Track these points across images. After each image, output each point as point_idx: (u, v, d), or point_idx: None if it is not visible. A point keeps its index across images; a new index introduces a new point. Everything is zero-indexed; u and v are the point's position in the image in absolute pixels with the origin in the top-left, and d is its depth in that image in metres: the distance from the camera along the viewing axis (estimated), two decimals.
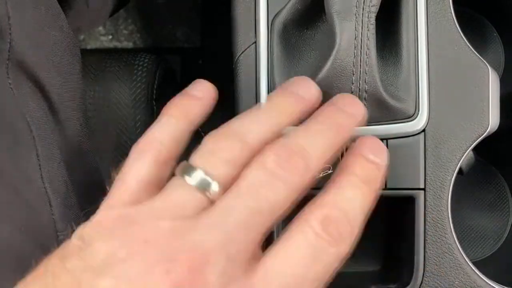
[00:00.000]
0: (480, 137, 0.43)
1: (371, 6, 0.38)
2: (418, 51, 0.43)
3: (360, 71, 0.39)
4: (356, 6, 0.38)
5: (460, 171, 0.44)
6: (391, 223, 0.47)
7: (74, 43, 0.43)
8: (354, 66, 0.38)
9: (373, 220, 0.48)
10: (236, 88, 0.45)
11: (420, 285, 0.43)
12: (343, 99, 0.34)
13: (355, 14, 0.38)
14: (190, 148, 0.56)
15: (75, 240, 0.28)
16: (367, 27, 0.38)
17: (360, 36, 0.38)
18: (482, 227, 0.54)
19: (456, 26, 0.43)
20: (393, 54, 0.43)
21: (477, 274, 0.43)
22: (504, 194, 0.55)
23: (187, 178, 0.29)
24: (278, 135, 0.30)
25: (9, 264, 0.33)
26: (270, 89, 0.43)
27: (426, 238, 0.43)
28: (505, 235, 0.54)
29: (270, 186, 0.28)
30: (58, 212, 0.37)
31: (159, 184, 0.31)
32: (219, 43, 0.86)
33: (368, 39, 0.38)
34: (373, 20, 0.38)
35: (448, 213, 0.43)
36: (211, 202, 0.28)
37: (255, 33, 0.44)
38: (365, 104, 0.40)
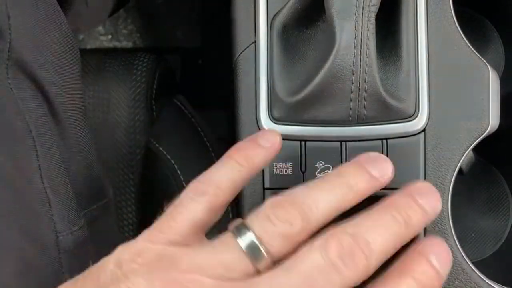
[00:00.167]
0: (480, 137, 0.43)
1: (371, 5, 0.38)
2: (418, 51, 0.43)
3: (360, 70, 0.39)
4: (356, 6, 0.38)
5: (460, 171, 0.44)
6: None
7: (73, 43, 0.43)
8: (354, 65, 0.38)
9: None
10: (235, 87, 0.45)
11: None
12: (420, 188, 0.32)
13: (355, 14, 0.38)
14: (190, 147, 0.56)
15: (112, 265, 0.28)
16: (367, 26, 0.38)
17: (360, 35, 0.38)
18: (482, 227, 0.54)
19: (456, 26, 0.43)
20: (393, 54, 0.43)
21: (477, 274, 0.43)
22: (504, 194, 0.55)
23: (239, 239, 0.28)
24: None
25: (8, 264, 0.33)
26: (269, 88, 0.43)
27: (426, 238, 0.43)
28: (505, 235, 0.54)
29: (326, 276, 0.26)
30: (57, 213, 0.37)
31: (206, 227, 0.31)
32: (219, 43, 0.86)
33: (368, 38, 0.38)
34: (373, 20, 0.38)
35: (448, 213, 0.43)
36: (258, 271, 0.27)
37: (255, 32, 0.44)
38: (365, 104, 0.40)
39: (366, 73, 0.39)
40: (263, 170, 0.44)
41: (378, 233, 0.28)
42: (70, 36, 0.42)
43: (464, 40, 0.43)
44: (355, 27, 0.38)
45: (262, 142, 0.34)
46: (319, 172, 0.43)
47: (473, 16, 0.56)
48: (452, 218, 0.43)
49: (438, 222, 0.43)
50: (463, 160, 0.43)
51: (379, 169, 0.32)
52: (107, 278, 0.27)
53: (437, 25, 0.43)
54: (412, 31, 0.42)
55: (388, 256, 0.29)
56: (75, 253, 0.37)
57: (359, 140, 0.43)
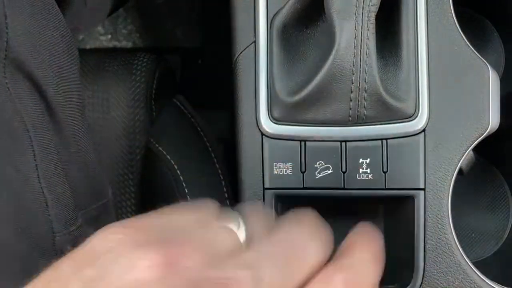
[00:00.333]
0: (480, 137, 0.43)
1: (371, 5, 0.38)
2: (418, 51, 0.43)
3: (360, 70, 0.39)
4: (356, 6, 0.38)
5: (460, 171, 0.44)
6: (391, 223, 0.47)
7: (71, 42, 0.43)
8: (354, 65, 0.38)
9: (373, 220, 0.48)
10: (235, 87, 0.45)
11: (420, 285, 0.43)
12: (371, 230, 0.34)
13: (355, 14, 0.38)
14: (190, 147, 0.56)
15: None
16: (367, 26, 0.38)
17: (360, 35, 0.38)
18: (482, 227, 0.54)
19: (456, 26, 0.43)
20: (393, 54, 0.43)
21: (477, 274, 0.43)
22: (504, 194, 0.55)
23: None
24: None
25: (6, 265, 0.33)
26: (269, 88, 0.43)
27: (426, 238, 0.43)
28: (505, 235, 0.54)
29: None
30: (54, 213, 0.37)
31: None
32: (219, 43, 0.86)
33: (368, 38, 0.38)
34: (373, 20, 0.38)
35: (448, 213, 0.43)
36: None
37: (255, 32, 0.44)
38: (365, 104, 0.40)
39: (366, 73, 0.39)
40: (262, 170, 0.44)
41: (367, 271, 0.30)
42: (69, 36, 0.42)
43: (464, 40, 0.43)
44: (355, 27, 0.38)
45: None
46: (319, 172, 0.43)
47: (473, 16, 0.56)
48: (452, 218, 0.43)
49: (438, 222, 0.43)
50: (463, 160, 0.43)
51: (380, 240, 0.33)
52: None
53: (437, 25, 0.43)
54: (412, 31, 0.42)
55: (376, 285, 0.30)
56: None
57: (359, 140, 0.43)
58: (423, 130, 0.43)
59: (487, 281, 0.43)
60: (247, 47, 0.44)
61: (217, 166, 0.55)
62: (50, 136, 0.38)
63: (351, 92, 0.40)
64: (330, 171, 0.43)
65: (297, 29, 0.43)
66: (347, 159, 0.43)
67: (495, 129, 0.43)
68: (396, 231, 0.46)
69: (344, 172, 0.43)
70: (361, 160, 0.43)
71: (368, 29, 0.38)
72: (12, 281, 0.33)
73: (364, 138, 0.43)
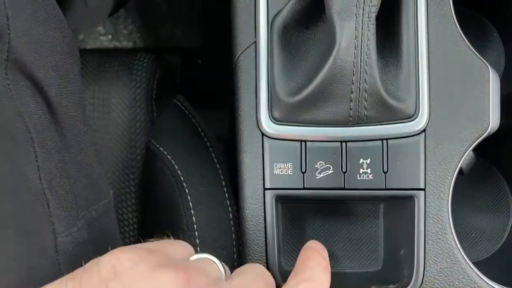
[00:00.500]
0: (480, 137, 0.43)
1: (372, 6, 0.38)
2: (418, 51, 0.43)
3: (360, 71, 0.39)
4: (356, 6, 0.38)
5: (461, 171, 0.44)
6: (391, 223, 0.47)
7: (73, 43, 0.43)
8: (354, 66, 0.38)
9: (373, 220, 0.48)
10: (236, 88, 0.45)
11: (421, 285, 0.43)
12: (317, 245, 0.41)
13: (355, 14, 0.38)
14: (190, 147, 0.56)
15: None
16: (368, 27, 0.38)
17: (360, 36, 0.38)
18: (483, 227, 0.54)
19: (456, 26, 0.43)
20: (394, 54, 0.43)
21: (477, 274, 0.43)
22: (504, 194, 0.55)
23: None
24: None
25: (6, 265, 0.33)
26: (270, 89, 0.43)
27: (426, 238, 0.43)
28: (505, 235, 0.54)
29: None
30: (56, 214, 0.37)
31: None
32: (219, 43, 0.86)
33: (368, 39, 0.38)
34: (373, 20, 0.38)
35: (448, 213, 0.43)
36: None
37: (255, 33, 0.44)
38: (365, 105, 0.40)
39: (366, 73, 0.39)
40: (263, 170, 0.44)
41: (322, 280, 0.37)
42: (70, 36, 0.42)
43: (464, 40, 0.43)
44: (356, 27, 0.38)
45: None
46: (320, 172, 0.43)
47: (473, 16, 0.56)
48: (452, 218, 0.43)
49: (438, 222, 0.43)
50: (463, 161, 0.43)
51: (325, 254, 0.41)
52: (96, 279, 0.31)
53: (437, 25, 0.43)
54: (412, 31, 0.42)
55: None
56: (74, 254, 0.37)
57: (359, 141, 0.43)
58: (423, 130, 0.43)
59: (487, 281, 0.43)
60: (248, 47, 0.44)
61: (217, 166, 0.55)
62: (51, 136, 0.38)
63: (352, 92, 0.40)
64: (330, 171, 0.43)
65: (297, 29, 0.43)
66: (347, 159, 0.43)
67: (495, 130, 0.43)
68: (396, 231, 0.46)
69: (344, 172, 0.43)
70: (361, 160, 0.43)
71: (368, 30, 0.38)
72: (13, 282, 0.33)
73: (364, 138, 0.43)
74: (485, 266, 0.48)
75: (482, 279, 0.43)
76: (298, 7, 0.42)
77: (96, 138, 0.58)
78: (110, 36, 0.98)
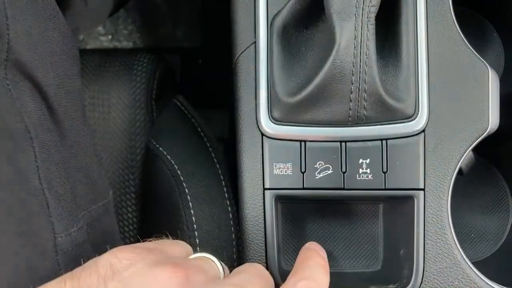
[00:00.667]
0: (480, 137, 0.43)
1: (371, 6, 0.38)
2: (418, 51, 0.43)
3: (359, 71, 0.39)
4: (356, 6, 0.38)
5: (460, 171, 0.44)
6: (390, 223, 0.47)
7: (72, 43, 0.43)
8: (353, 66, 0.38)
9: (373, 220, 0.48)
10: (235, 88, 0.45)
11: (420, 285, 0.43)
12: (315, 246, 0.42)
13: (355, 14, 0.38)
14: (190, 147, 0.56)
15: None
16: (367, 27, 0.38)
17: (360, 36, 0.38)
18: (482, 227, 0.54)
19: (456, 26, 0.43)
20: (393, 54, 0.43)
21: (477, 274, 0.43)
22: (504, 194, 0.55)
23: None
24: None
25: (6, 266, 0.33)
26: (269, 89, 0.43)
27: (426, 238, 0.43)
28: (505, 235, 0.54)
29: None
30: (55, 214, 0.37)
31: None
32: (219, 43, 0.86)
33: (367, 39, 0.38)
34: (373, 20, 0.38)
35: (448, 213, 0.43)
36: None
37: (255, 33, 0.44)
38: (365, 105, 0.40)
39: (366, 73, 0.39)
40: (262, 170, 0.44)
41: (321, 279, 0.37)
42: (69, 36, 0.42)
43: (464, 40, 0.43)
44: (355, 27, 0.38)
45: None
46: (319, 172, 0.43)
47: (473, 16, 0.56)
48: (452, 218, 0.43)
49: (437, 222, 0.43)
50: (463, 161, 0.43)
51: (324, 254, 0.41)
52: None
53: (437, 25, 0.43)
54: (412, 31, 0.42)
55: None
56: (74, 254, 0.37)
57: (359, 141, 0.43)
58: (423, 131, 0.43)
59: (487, 281, 0.43)
60: (248, 47, 0.44)
61: (217, 166, 0.55)
62: (51, 136, 0.38)
63: (351, 92, 0.40)
64: (330, 171, 0.43)
65: (297, 29, 0.43)
66: (347, 159, 0.43)
67: (495, 130, 0.43)
68: (395, 231, 0.46)
69: (344, 172, 0.43)
70: (361, 160, 0.43)
71: (368, 30, 0.38)
72: (13, 282, 0.33)
73: (364, 139, 0.43)
74: (485, 266, 0.48)
75: (482, 279, 0.43)
76: (298, 7, 0.42)
77: (96, 138, 0.58)
78: (110, 36, 0.99)
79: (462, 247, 0.43)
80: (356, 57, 0.38)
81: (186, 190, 0.52)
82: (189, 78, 0.95)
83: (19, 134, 0.35)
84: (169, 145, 0.56)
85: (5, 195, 0.34)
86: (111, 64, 0.61)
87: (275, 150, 0.43)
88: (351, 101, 0.40)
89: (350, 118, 0.41)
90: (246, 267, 0.38)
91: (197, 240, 0.50)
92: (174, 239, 0.38)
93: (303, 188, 0.43)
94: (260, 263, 0.44)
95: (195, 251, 0.39)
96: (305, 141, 0.43)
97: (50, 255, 0.36)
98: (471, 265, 0.43)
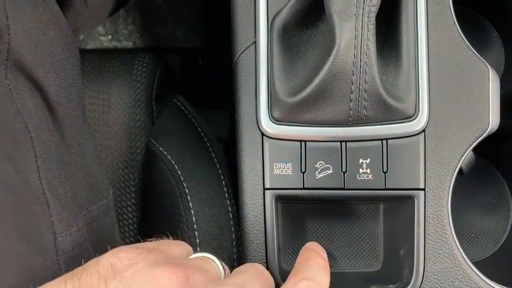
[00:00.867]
0: (480, 137, 0.43)
1: (371, 6, 0.38)
2: (418, 51, 0.43)
3: (360, 71, 0.39)
4: (356, 6, 0.38)
5: (460, 171, 0.44)
6: (391, 223, 0.47)
7: (72, 43, 0.43)
8: (354, 66, 0.38)
9: (373, 220, 0.48)
10: (236, 88, 0.45)
11: (420, 285, 0.43)
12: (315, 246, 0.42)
13: (355, 14, 0.38)
14: (190, 147, 0.56)
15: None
16: (367, 27, 0.38)
17: (360, 36, 0.38)
18: (482, 227, 0.54)
19: (456, 26, 0.43)
20: (393, 54, 0.43)
21: (477, 274, 0.43)
22: (504, 194, 0.55)
23: None
24: None
25: (6, 266, 0.33)
26: (269, 89, 0.43)
27: (426, 238, 0.43)
28: (505, 235, 0.54)
29: None
30: (56, 214, 0.37)
31: None
32: (219, 43, 0.86)
33: (368, 39, 0.38)
34: (373, 20, 0.38)
35: (448, 213, 0.43)
36: None
37: (255, 33, 0.44)
38: (365, 105, 0.40)
39: (366, 73, 0.39)
40: (263, 170, 0.44)
41: (321, 279, 0.37)
42: (70, 36, 0.42)
43: (464, 40, 0.43)
44: (355, 27, 0.38)
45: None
46: (319, 172, 0.43)
47: (473, 16, 0.56)
48: (452, 218, 0.43)
49: (438, 222, 0.43)
50: (463, 161, 0.43)
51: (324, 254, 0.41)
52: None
53: (437, 25, 0.43)
54: (412, 31, 0.42)
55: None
56: (74, 254, 0.37)
57: (359, 141, 0.43)
58: (423, 131, 0.43)
59: (487, 281, 0.43)
60: (248, 47, 0.44)
61: (217, 166, 0.55)
62: (51, 137, 0.38)
63: (351, 92, 0.40)
64: (330, 171, 0.43)
65: (297, 29, 0.43)
66: (347, 159, 0.43)
67: (495, 130, 0.43)
68: (396, 231, 0.46)
69: (344, 172, 0.43)
70: (361, 160, 0.43)
71: (368, 30, 0.38)
72: (13, 282, 0.33)
73: (364, 138, 0.43)
74: (485, 266, 0.48)
75: (482, 279, 0.43)
76: (298, 7, 0.42)
77: (96, 138, 0.58)
78: (110, 36, 0.99)
79: (462, 247, 0.43)
80: (357, 57, 0.38)
81: (186, 190, 0.52)
82: (189, 78, 0.95)
83: (19, 134, 0.35)
84: (169, 145, 0.56)
85: (5, 195, 0.34)
86: (111, 64, 0.61)
87: (275, 150, 0.43)
88: (351, 101, 0.40)
89: (350, 118, 0.41)
90: (246, 267, 0.38)
91: (197, 240, 0.50)
92: (174, 239, 0.38)
93: (303, 188, 0.43)
94: (260, 263, 0.44)
95: (195, 251, 0.39)
96: (305, 141, 0.43)
97: (51, 255, 0.36)
98: (471, 265, 0.43)
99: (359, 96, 0.40)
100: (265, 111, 0.43)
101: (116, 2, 0.56)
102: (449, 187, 0.43)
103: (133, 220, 0.59)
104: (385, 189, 0.43)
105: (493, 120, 0.43)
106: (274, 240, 0.44)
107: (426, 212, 0.43)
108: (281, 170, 0.43)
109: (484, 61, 0.43)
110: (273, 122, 0.43)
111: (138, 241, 0.36)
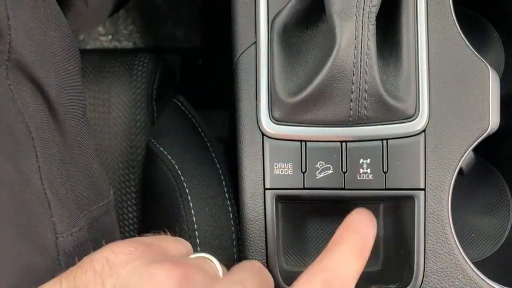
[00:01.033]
0: (480, 137, 0.43)
1: (372, 6, 0.38)
2: (418, 51, 0.43)
3: (360, 71, 0.39)
4: (357, 6, 0.38)
5: (461, 171, 0.44)
6: (391, 223, 0.47)
7: (73, 43, 0.43)
8: (354, 66, 0.39)
9: None
10: (236, 88, 0.45)
11: (420, 285, 0.43)
12: (356, 219, 0.38)
13: (356, 14, 0.38)
14: (190, 147, 0.56)
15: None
16: (368, 27, 0.38)
17: (360, 36, 0.38)
18: (483, 227, 0.54)
19: (456, 26, 0.43)
20: (393, 54, 0.43)
21: (477, 274, 0.43)
22: (504, 194, 0.55)
23: None
24: None
25: (7, 266, 0.33)
26: (270, 89, 0.43)
27: (426, 238, 0.43)
28: (505, 235, 0.54)
29: None
30: (57, 214, 0.37)
31: None
32: (219, 43, 0.86)
33: (368, 39, 0.38)
34: (373, 20, 0.38)
35: (448, 213, 0.43)
36: None
37: (255, 33, 0.44)
38: (365, 105, 0.40)
39: (366, 73, 0.39)
40: (263, 170, 0.44)
41: (345, 271, 0.35)
42: (70, 37, 0.42)
43: (464, 40, 0.43)
44: (356, 27, 0.38)
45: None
46: (320, 173, 0.43)
47: (473, 16, 0.56)
48: (452, 218, 0.43)
49: (438, 222, 0.43)
50: (463, 161, 0.43)
51: (368, 229, 0.38)
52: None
53: (437, 25, 0.43)
54: (412, 31, 0.42)
55: (358, 276, 0.35)
56: (75, 254, 0.37)
57: (360, 141, 0.43)
58: (423, 131, 0.43)
59: (487, 281, 0.43)
60: (248, 48, 0.44)
61: (218, 166, 0.55)
62: (52, 137, 0.38)
63: (352, 92, 0.40)
64: (330, 171, 0.43)
65: (297, 30, 0.43)
66: (347, 159, 0.43)
67: (495, 130, 0.43)
68: (396, 231, 0.46)
69: (344, 172, 0.43)
70: (361, 160, 0.43)
71: (368, 30, 0.38)
72: (14, 282, 0.33)
73: (364, 139, 0.43)
74: (485, 266, 0.48)
75: (482, 279, 0.43)
76: (298, 7, 0.42)
77: (97, 138, 0.58)
78: (110, 36, 0.99)
79: (462, 247, 0.43)
80: (357, 57, 0.38)
81: (187, 190, 0.52)
82: (189, 78, 0.96)
83: (20, 134, 0.35)
84: (169, 145, 0.56)
85: (6, 195, 0.34)
86: (111, 64, 0.61)
87: (275, 150, 0.43)
88: (351, 101, 0.40)
89: (350, 118, 0.41)
90: (245, 264, 0.38)
91: (197, 240, 0.50)
92: (172, 235, 0.38)
93: (304, 188, 0.43)
94: (260, 263, 0.44)
95: (195, 251, 0.39)
96: (305, 141, 0.43)
97: (52, 255, 0.36)
98: (471, 265, 0.43)
99: (359, 96, 0.40)
100: (265, 111, 0.43)
101: (116, 2, 0.56)
102: (449, 187, 0.43)
103: (134, 220, 0.59)
104: (385, 189, 0.43)
105: (493, 120, 0.43)
106: (274, 240, 0.44)
107: (426, 212, 0.43)
108: (282, 170, 0.43)
109: (484, 61, 0.43)
110: (273, 122, 0.43)
111: None
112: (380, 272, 0.47)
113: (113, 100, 0.59)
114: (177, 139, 0.57)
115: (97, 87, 0.59)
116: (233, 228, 0.51)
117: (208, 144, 0.57)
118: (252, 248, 0.44)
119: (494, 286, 0.43)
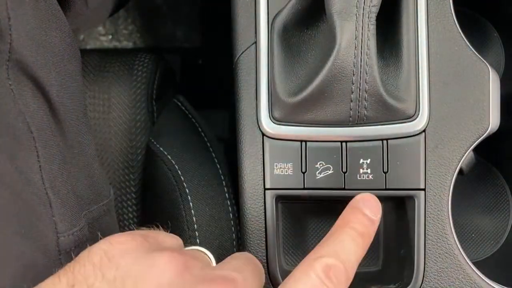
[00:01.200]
0: (480, 137, 0.43)
1: (372, 6, 0.38)
2: (418, 51, 0.43)
3: (360, 71, 0.39)
4: (357, 6, 0.38)
5: (461, 172, 0.44)
6: (391, 223, 0.47)
7: (74, 43, 0.43)
8: (354, 66, 0.39)
9: None
10: (236, 88, 0.45)
11: (421, 285, 0.43)
12: (363, 200, 0.38)
13: (356, 14, 0.38)
14: (190, 147, 0.56)
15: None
16: (368, 27, 0.38)
17: (361, 36, 0.38)
18: (483, 227, 0.54)
19: (456, 27, 0.43)
20: (394, 54, 0.43)
21: (477, 274, 0.43)
22: (504, 195, 0.55)
23: None
24: None
25: (8, 265, 0.33)
26: (270, 89, 0.43)
27: (427, 238, 0.43)
28: (505, 235, 0.54)
29: None
30: (58, 214, 0.37)
31: None
32: (219, 43, 0.86)
33: (368, 39, 0.38)
34: (373, 20, 0.38)
35: (448, 213, 0.43)
36: None
37: (255, 33, 0.44)
38: (365, 105, 0.40)
39: (366, 73, 0.39)
40: (263, 170, 0.44)
41: (348, 254, 0.35)
42: (71, 37, 0.42)
43: (464, 40, 0.43)
44: (356, 27, 0.38)
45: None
46: (320, 173, 0.43)
47: (473, 16, 0.56)
48: (452, 218, 0.43)
49: (438, 222, 0.43)
50: (463, 161, 0.43)
51: (373, 211, 0.38)
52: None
53: (437, 25, 0.43)
54: (412, 31, 0.42)
55: (359, 260, 0.35)
56: (76, 254, 0.37)
57: (360, 141, 0.43)
58: (424, 131, 0.43)
59: (487, 281, 0.43)
60: (248, 48, 0.44)
61: (218, 166, 0.55)
62: (53, 137, 0.38)
63: (352, 92, 0.40)
64: (330, 172, 0.43)
65: (297, 30, 0.43)
66: (347, 160, 0.43)
67: (495, 130, 0.43)
68: (396, 231, 0.46)
69: (344, 172, 0.43)
70: (361, 161, 0.43)
71: (368, 30, 0.38)
72: (15, 282, 0.33)
73: (364, 139, 0.43)
74: (485, 266, 0.48)
75: (482, 279, 0.43)
76: (299, 7, 0.42)
77: (97, 138, 0.58)
78: (110, 36, 0.99)
79: (462, 247, 0.43)
80: (357, 57, 0.38)
81: (187, 190, 0.52)
82: (189, 78, 0.96)
83: (21, 134, 0.35)
84: (169, 145, 0.56)
85: (7, 195, 0.34)
86: (111, 64, 0.61)
87: (275, 150, 0.43)
88: (351, 101, 0.40)
89: (350, 118, 0.41)
90: (236, 255, 0.37)
91: (197, 240, 0.50)
92: (166, 231, 0.37)
93: (304, 188, 0.43)
94: (260, 263, 0.44)
95: None
96: (305, 141, 0.43)
97: (53, 255, 0.36)
98: (471, 265, 0.43)
99: (359, 96, 0.40)
100: (265, 111, 0.43)
101: (116, 2, 0.56)
102: (449, 187, 0.43)
103: (134, 220, 0.59)
104: (386, 189, 0.43)
105: (493, 120, 0.43)
106: (274, 240, 0.44)
107: (426, 212, 0.43)
108: (282, 170, 0.43)
109: (484, 61, 0.43)
110: (273, 122, 0.43)
111: None
112: (380, 272, 0.47)
113: (113, 100, 0.59)
114: (177, 139, 0.57)
115: (97, 87, 0.59)
116: (233, 228, 0.51)
117: (208, 144, 0.57)
118: (252, 248, 0.44)
119: (494, 286, 0.43)
